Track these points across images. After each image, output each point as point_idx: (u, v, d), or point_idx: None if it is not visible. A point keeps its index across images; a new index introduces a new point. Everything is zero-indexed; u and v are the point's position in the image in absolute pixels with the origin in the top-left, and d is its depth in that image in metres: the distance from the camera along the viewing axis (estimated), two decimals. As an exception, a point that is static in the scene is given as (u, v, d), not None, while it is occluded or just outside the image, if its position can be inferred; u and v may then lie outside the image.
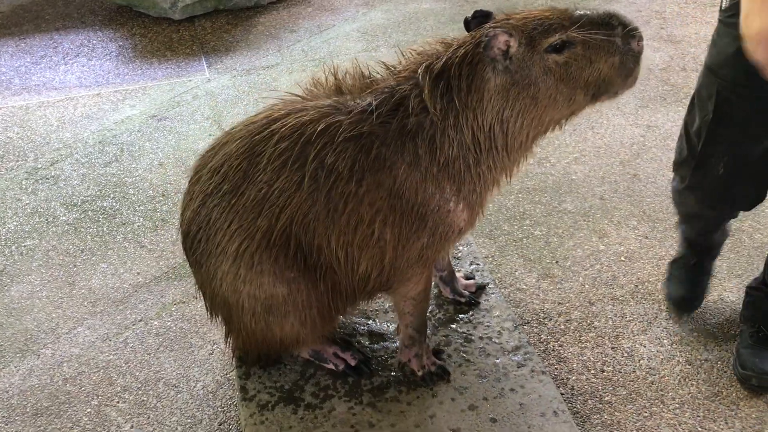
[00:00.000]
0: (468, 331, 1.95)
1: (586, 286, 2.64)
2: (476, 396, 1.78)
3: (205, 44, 4.39)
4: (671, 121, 3.49)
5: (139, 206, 3.06)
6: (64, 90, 3.95)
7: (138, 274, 2.73)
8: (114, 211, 3.04)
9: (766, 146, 1.98)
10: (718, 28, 1.98)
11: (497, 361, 1.87)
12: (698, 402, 2.22)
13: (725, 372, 2.31)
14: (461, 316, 1.99)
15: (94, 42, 4.45)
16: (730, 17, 1.91)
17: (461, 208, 1.63)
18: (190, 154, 3.36)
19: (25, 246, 2.86)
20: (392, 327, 1.96)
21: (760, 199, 2.17)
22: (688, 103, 2.21)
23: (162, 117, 3.67)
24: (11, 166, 3.34)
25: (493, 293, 2.07)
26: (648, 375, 2.30)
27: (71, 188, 3.17)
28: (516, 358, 1.87)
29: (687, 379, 2.28)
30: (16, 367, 2.37)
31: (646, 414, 2.18)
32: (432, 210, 1.60)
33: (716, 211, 2.22)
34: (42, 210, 3.05)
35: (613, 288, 2.63)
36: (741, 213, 2.43)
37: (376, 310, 2.03)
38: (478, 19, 1.63)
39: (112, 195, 3.13)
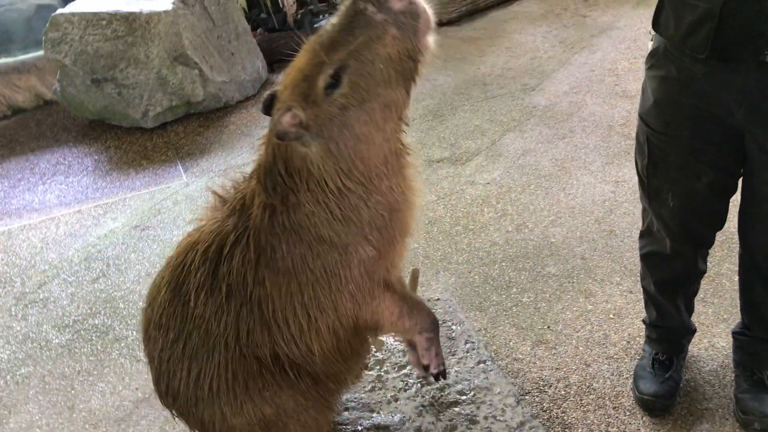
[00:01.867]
0: (472, 412, 1.98)
1: (580, 348, 2.68)
2: (487, 480, 1.80)
3: (179, 149, 4.49)
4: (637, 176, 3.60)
5: (130, 320, 3.08)
6: (44, 210, 4.00)
7: (137, 389, 2.72)
8: (106, 327, 3.05)
9: (707, 182, 2.04)
10: (644, 79, 2.10)
11: (504, 440, 1.89)
12: (706, 452, 2.24)
13: (727, 419, 2.34)
14: (464, 397, 2.02)
15: (70, 159, 4.53)
16: (649, 69, 2.04)
17: (358, 245, 1.57)
18: (176, 260, 3.40)
19: (20, 374, 2.86)
20: (397, 418, 1.98)
21: (717, 228, 2.21)
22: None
23: (144, 227, 3.72)
24: (-1, 293, 3.35)
25: (491, 370, 2.11)
26: (653, 428, 2.33)
27: (61, 309, 3.19)
28: (523, 434, 1.90)
29: (692, 426, 2.31)
30: (22, 502, 2.34)
31: (657, 470, 2.20)
32: (334, 266, 1.56)
33: (675, 242, 2.23)
34: (34, 335, 3.05)
35: (606, 347, 2.67)
36: (713, 258, 2.50)
37: (380, 402, 2.06)
38: (267, 103, 1.56)
39: (102, 311, 3.14)
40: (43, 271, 3.47)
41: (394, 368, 2.15)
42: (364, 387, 2.10)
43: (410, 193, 1.61)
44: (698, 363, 2.56)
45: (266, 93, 1.58)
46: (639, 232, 2.43)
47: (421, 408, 2.01)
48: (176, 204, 3.90)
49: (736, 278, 2.76)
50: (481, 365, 2.13)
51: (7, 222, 3.93)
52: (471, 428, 1.93)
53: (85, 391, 2.75)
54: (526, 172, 3.80)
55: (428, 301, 2.15)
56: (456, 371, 2.11)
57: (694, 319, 2.53)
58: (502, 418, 1.95)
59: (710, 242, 2.27)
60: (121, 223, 3.79)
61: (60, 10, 4.65)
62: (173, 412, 1.82)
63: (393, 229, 1.61)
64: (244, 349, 1.61)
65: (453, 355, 2.18)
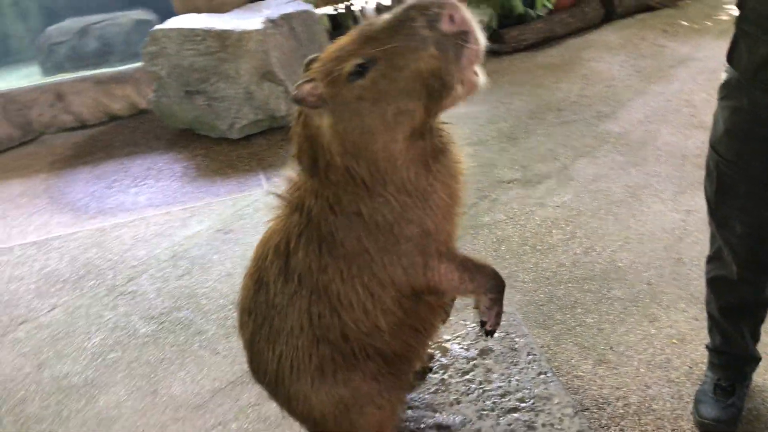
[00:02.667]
0: (531, 419, 2.07)
1: (642, 369, 2.73)
2: (543, 482, 1.89)
3: (262, 160, 4.73)
4: (710, 204, 3.62)
5: (211, 315, 3.28)
6: (135, 211, 4.29)
7: (215, 379, 2.91)
8: (189, 321, 3.27)
9: None
10: (716, 108, 2.17)
11: (561, 447, 1.98)
12: (764, 479, 2.26)
13: (787, 447, 2.35)
14: (523, 405, 2.11)
15: (160, 165, 4.84)
16: (722, 99, 2.10)
17: (415, 227, 1.65)
18: (255, 263, 3.61)
19: (109, 358, 3.09)
20: (458, 419, 2.09)
21: None
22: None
23: (227, 230, 3.95)
24: (92, 284, 3.62)
25: (552, 381, 2.19)
26: (711, 455, 2.36)
27: (148, 302, 3.43)
28: (579, 443, 1.98)
29: (750, 457, 2.33)
30: (107, 473, 2.55)
31: (713, 494, 2.23)
32: (392, 240, 1.65)
33: (743, 268, 2.26)
34: (122, 324, 3.29)
35: (668, 371, 2.71)
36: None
37: (443, 403, 2.17)
38: (305, 70, 1.66)
39: (186, 306, 3.37)
40: (132, 267, 3.73)
41: (458, 373, 2.25)
42: (429, 389, 2.21)
43: (445, 182, 1.65)
44: (762, 393, 2.57)
45: (307, 57, 1.68)
46: (707, 257, 2.47)
47: (481, 412, 2.11)
48: (257, 211, 4.12)
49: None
50: (542, 376, 2.22)
51: (101, 220, 4.23)
52: (529, 433, 2.02)
53: (167, 378, 2.96)
54: (596, 197, 3.86)
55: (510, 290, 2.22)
56: (517, 380, 2.20)
57: (760, 348, 2.55)
58: (559, 427, 2.03)
59: None
60: (206, 225, 4.03)
61: (158, 26, 4.98)
62: (265, 388, 1.99)
63: (430, 211, 1.65)
64: (317, 332, 1.76)
65: (515, 365, 2.27)
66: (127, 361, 3.07)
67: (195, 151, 4.97)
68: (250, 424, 2.68)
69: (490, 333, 1.87)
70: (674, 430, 2.47)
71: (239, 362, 2.99)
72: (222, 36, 4.80)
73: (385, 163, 1.57)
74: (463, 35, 1.44)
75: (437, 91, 1.49)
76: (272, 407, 2.71)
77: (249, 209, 4.15)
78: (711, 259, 2.44)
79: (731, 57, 2.08)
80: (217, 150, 4.94)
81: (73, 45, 6.10)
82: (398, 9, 1.49)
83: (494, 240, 3.57)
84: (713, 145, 2.20)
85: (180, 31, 4.87)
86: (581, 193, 3.89)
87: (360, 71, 1.49)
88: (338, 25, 6.03)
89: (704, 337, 2.81)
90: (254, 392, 2.82)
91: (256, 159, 4.76)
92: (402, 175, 1.58)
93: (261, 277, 1.83)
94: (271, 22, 4.98)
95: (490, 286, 1.82)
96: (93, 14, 6.27)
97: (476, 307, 1.84)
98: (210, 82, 4.87)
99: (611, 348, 2.85)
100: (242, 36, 4.80)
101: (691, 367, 2.71)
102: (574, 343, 2.88)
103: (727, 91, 2.10)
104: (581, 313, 3.05)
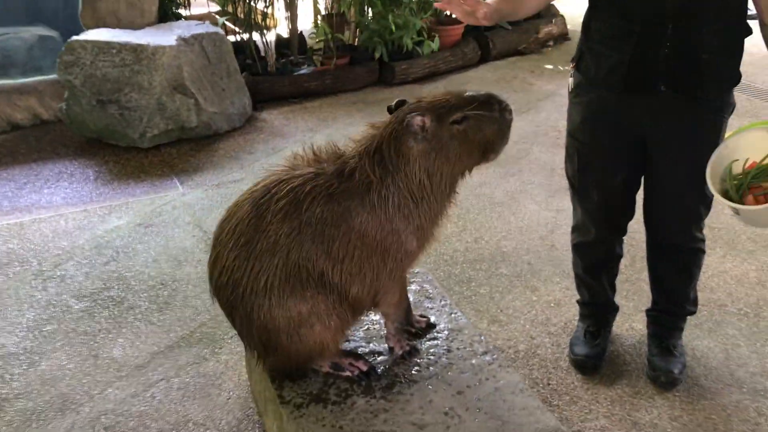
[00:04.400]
0: (448, 344, 2.54)
1: (527, 326, 3.29)
2: (461, 385, 2.35)
3: (174, 167, 5.00)
4: (575, 205, 4.31)
5: (142, 294, 3.53)
6: (52, 208, 4.43)
7: (153, 344, 3.17)
8: (121, 299, 3.50)
9: (621, 178, 2.73)
10: (569, 106, 2.78)
11: (473, 361, 2.45)
12: (625, 399, 2.84)
13: (641, 377, 2.95)
14: (440, 335, 2.58)
15: (71, 169, 4.99)
16: (575, 97, 2.73)
17: (411, 239, 2.22)
18: (180, 250, 3.90)
19: (46, 330, 3.27)
20: (386, 346, 2.52)
21: (629, 217, 2.88)
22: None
23: (148, 224, 4.20)
24: (18, 270, 3.75)
25: (461, 319, 2.67)
26: (584, 384, 2.92)
27: (78, 284, 3.62)
28: (487, 358, 2.46)
29: (614, 384, 2.92)
30: (59, 422, 2.74)
31: (587, 411, 2.78)
32: (390, 244, 2.20)
33: (599, 229, 2.88)
34: (55, 302, 3.47)
35: (548, 326, 3.28)
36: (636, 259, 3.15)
37: (374, 336, 2.59)
38: (397, 105, 2.27)
39: (116, 287, 3.59)
40: (57, 255, 3.89)
41: (384, 316, 2.69)
42: (361, 327, 2.64)
43: (444, 217, 2.31)
44: (620, 339, 3.19)
45: (397, 99, 2.29)
46: (571, 228, 3.08)
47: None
48: (175, 208, 4.40)
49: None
50: (453, 315, 2.70)
51: (18, 215, 4.34)
52: (447, 354, 2.49)
53: (106, 344, 3.18)
54: (481, 200, 4.46)
55: (409, 273, 2.70)
56: (434, 319, 2.67)
57: (619, 309, 3.17)
58: (470, 349, 2.51)
59: (624, 230, 2.93)
60: (125, 221, 4.26)
61: (75, 37, 5.17)
62: (223, 306, 2.31)
63: (429, 236, 2.30)
64: (300, 261, 2.15)
65: (432, 309, 2.74)
66: (64, 332, 3.26)
67: (105, 157, 5.15)
68: (192, 379, 2.97)
69: (410, 354, 2.48)
70: (555, 368, 3.02)
71: (174, 331, 3.27)
72: (137, 49, 5.08)
73: (448, 183, 2.22)
74: (509, 125, 2.23)
75: (488, 151, 2.23)
76: (210, 365, 3.04)
77: (167, 207, 4.42)
78: (574, 229, 3.04)
79: (579, 66, 2.69)
80: (128, 157, 5.15)
81: (-27, 57, 6.09)
82: (486, 93, 2.21)
83: (398, 232, 4.07)
84: (572, 134, 2.80)
85: (95, 44, 5.10)
86: (469, 197, 4.48)
87: (459, 121, 2.14)
88: (240, 50, 6.41)
89: (575, 303, 3.43)
90: (192, 354, 3.12)
91: (167, 166, 5.03)
92: (443, 202, 2.26)
93: (260, 205, 2.17)
94: (184, 40, 5.32)
95: (402, 320, 2.49)
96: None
97: (387, 338, 2.52)
98: (123, 92, 5.11)
99: (501, 311, 3.39)
100: (157, 50, 5.10)
101: (566, 324, 3.29)
102: (471, 308, 3.40)
103: (578, 90, 2.71)
104: (475, 286, 3.60)
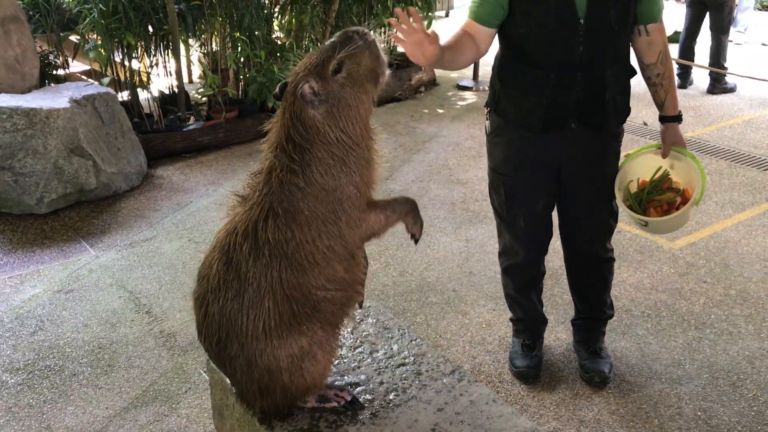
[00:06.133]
0: (417, 368, 2.74)
1: (466, 347, 3.55)
2: (440, 402, 2.54)
3: (79, 230, 4.87)
4: (480, 234, 4.68)
5: (81, 359, 3.45)
6: (-46, 284, 4.18)
7: (107, 408, 3.12)
8: (59, 367, 3.39)
9: (542, 204, 3.08)
10: (489, 145, 3.11)
11: (444, 381, 2.65)
12: (567, 401, 3.15)
13: (576, 380, 3.29)
14: (407, 360, 2.78)
15: (-36, 242, 4.72)
16: (495, 137, 3.06)
17: (351, 189, 2.22)
18: (110, 313, 3.83)
19: (-15, 408, 3.11)
20: (363, 377, 2.68)
21: (550, 237, 3.23)
22: (485, 220, 3.31)
23: (68, 290, 4.08)
24: (-67, 351, 3.53)
25: (423, 344, 2.88)
26: (529, 392, 3.22)
27: (7, 357, 3.47)
28: (456, 376, 2.68)
29: (555, 389, 3.23)
30: (26, 498, 2.64)
31: (537, 416, 3.07)
32: (336, 204, 2.20)
33: (527, 251, 3.19)
34: (-13, 379, 3.31)
35: (485, 345, 3.56)
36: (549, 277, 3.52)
37: (346, 369, 2.74)
38: (281, 89, 2.30)
39: (51, 356, 3.48)
40: (-26, 331, 3.70)
41: (350, 350, 2.83)
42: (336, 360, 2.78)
43: (376, 152, 2.32)
44: (551, 350, 3.52)
45: (280, 83, 2.31)
46: (497, 254, 3.39)
47: (379, 369, 2.71)
48: (92, 272, 4.30)
49: (566, 296, 3.82)
50: (414, 342, 2.90)
51: None
52: (419, 376, 2.68)
53: (56, 414, 3.08)
54: (398, 237, 4.72)
55: (365, 300, 2.88)
56: (397, 346, 2.86)
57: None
58: (438, 370, 2.72)
59: (546, 249, 3.29)
60: (41, 289, 4.11)
61: (-41, 104, 4.95)
62: (218, 361, 2.37)
63: (368, 175, 2.29)
64: (287, 293, 2.24)
65: (391, 338, 2.93)
66: (5, 408, 3.12)
67: (1, 227, 4.92)
68: (157, 436, 2.96)
69: (417, 241, 2.51)
70: (500, 381, 3.29)
71: (126, 392, 3.23)
72: (29, 113, 4.94)
73: (361, 126, 2.25)
74: (374, 45, 2.29)
75: (375, 77, 2.28)
76: (172, 420, 3.04)
77: (83, 271, 4.31)
78: (501, 254, 3.35)
79: (497, 110, 3.03)
80: (26, 225, 4.95)
81: None
82: (340, 33, 2.29)
83: (325, 273, 4.22)
84: (495, 169, 3.12)
85: (-17, 109, 4.90)
86: (386, 235, 4.71)
87: (338, 68, 2.20)
88: (127, 109, 6.34)
89: (504, 321, 3.74)
90: (151, 412, 3.10)
91: (72, 230, 4.89)
92: (366, 143, 2.27)
93: (230, 259, 2.27)
94: (76, 102, 5.24)
95: (407, 209, 2.46)
96: None
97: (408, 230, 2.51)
98: (17, 158, 4.93)
99: (440, 336, 3.64)
100: (50, 113, 4.99)
101: (500, 341, 3.59)
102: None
103: (498, 131, 3.05)
104: (411, 315, 3.82)
